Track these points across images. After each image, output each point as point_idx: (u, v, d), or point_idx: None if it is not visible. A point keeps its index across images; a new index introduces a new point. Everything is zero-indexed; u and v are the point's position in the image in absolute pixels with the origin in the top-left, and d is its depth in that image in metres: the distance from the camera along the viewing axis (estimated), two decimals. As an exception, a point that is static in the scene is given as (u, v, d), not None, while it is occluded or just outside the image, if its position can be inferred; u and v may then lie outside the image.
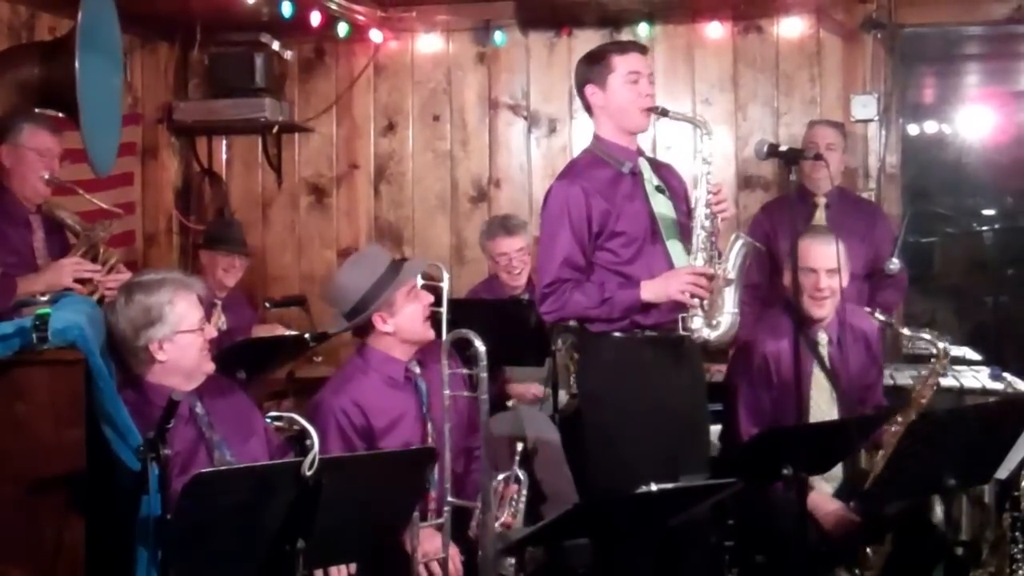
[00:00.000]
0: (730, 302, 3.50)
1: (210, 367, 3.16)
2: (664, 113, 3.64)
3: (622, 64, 3.63)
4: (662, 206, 3.64)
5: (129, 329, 3.04)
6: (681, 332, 3.51)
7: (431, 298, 3.51)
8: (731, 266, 3.51)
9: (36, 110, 3.92)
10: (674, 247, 3.60)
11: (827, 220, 4.32)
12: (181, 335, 3.06)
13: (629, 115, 3.64)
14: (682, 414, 3.58)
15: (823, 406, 3.85)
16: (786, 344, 3.70)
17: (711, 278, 3.46)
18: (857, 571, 3.74)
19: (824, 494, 3.76)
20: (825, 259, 3.78)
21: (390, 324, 3.49)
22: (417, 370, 3.53)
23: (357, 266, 3.58)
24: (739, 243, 3.53)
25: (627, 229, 3.56)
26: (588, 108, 3.74)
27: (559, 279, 3.55)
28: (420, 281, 3.56)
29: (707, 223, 3.51)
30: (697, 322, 3.48)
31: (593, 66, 3.68)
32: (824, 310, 3.85)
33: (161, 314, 3.05)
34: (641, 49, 3.73)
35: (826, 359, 3.89)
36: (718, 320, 3.49)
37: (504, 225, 5.02)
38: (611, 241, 3.57)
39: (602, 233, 3.56)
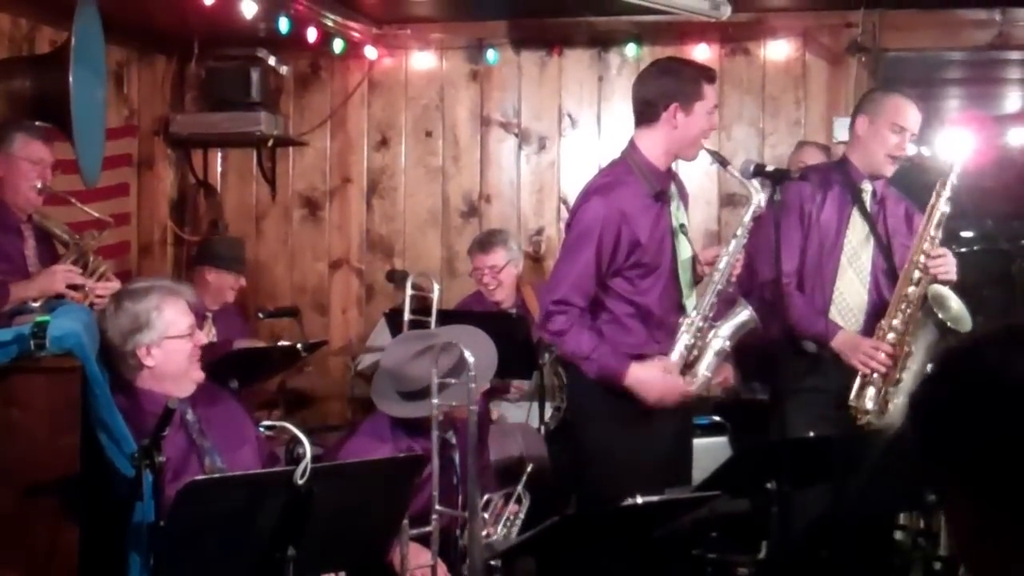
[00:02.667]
0: (707, 364, 3.53)
1: (199, 375, 3.17)
2: (724, 163, 3.59)
3: (711, 95, 3.55)
4: (684, 249, 3.61)
5: (117, 336, 3.07)
6: None
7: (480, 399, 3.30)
8: (727, 332, 3.53)
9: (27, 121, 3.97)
10: (688, 291, 3.60)
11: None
12: (169, 340, 3.09)
13: (693, 146, 3.56)
14: (671, 433, 3.61)
15: (855, 245, 3.83)
16: (831, 189, 3.79)
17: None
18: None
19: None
20: (916, 125, 3.83)
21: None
22: (453, 440, 3.40)
23: (425, 357, 3.30)
24: (745, 314, 3.53)
25: (650, 262, 3.53)
26: (651, 119, 3.56)
27: (566, 301, 3.48)
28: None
29: (721, 285, 3.52)
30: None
31: (684, 85, 3.53)
32: (891, 171, 3.85)
33: (149, 320, 3.07)
34: (716, 79, 3.65)
35: (867, 204, 3.86)
36: (691, 379, 3.52)
37: (481, 241, 5.12)
38: (632, 270, 3.54)
39: (626, 261, 3.52)
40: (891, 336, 3.70)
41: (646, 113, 3.58)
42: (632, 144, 3.62)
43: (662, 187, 3.58)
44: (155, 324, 3.08)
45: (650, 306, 3.54)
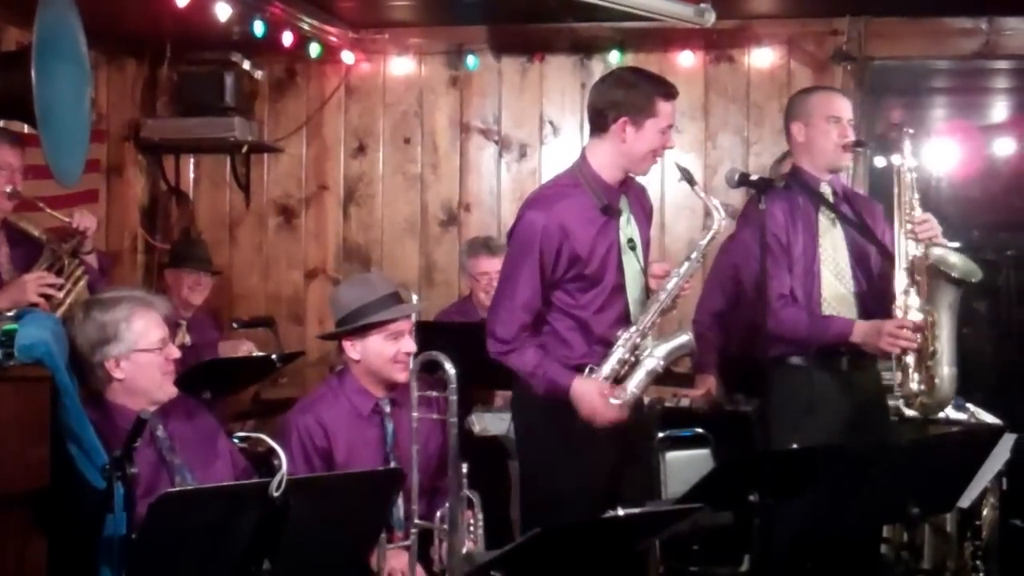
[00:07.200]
0: (637, 382, 3.44)
1: (171, 390, 3.13)
2: (691, 182, 3.50)
3: (666, 113, 3.44)
4: (632, 265, 3.52)
5: (86, 346, 3.04)
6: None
7: (412, 348, 3.41)
8: (663, 352, 3.46)
9: (-3, 124, 3.90)
10: (636, 307, 3.52)
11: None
12: (139, 354, 3.05)
13: (642, 163, 3.49)
14: (623, 444, 3.52)
15: (830, 250, 3.78)
16: (796, 207, 3.75)
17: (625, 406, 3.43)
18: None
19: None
20: (849, 110, 3.81)
21: (357, 352, 3.43)
22: (388, 409, 3.46)
23: (359, 284, 3.56)
24: (684, 339, 3.47)
25: (591, 276, 3.47)
26: (601, 130, 3.48)
27: (522, 325, 3.45)
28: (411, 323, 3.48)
29: (666, 305, 3.45)
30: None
31: (636, 99, 3.43)
32: (848, 161, 3.87)
33: (117, 331, 3.04)
34: (677, 96, 3.52)
35: (831, 202, 3.81)
36: (619, 393, 3.43)
37: (487, 245, 5.06)
38: (572, 283, 3.47)
39: (566, 274, 3.46)
40: (912, 313, 3.60)
41: (596, 123, 3.50)
42: (582, 155, 3.55)
43: (610, 201, 3.49)
44: (124, 336, 3.05)
45: (590, 320, 3.48)
